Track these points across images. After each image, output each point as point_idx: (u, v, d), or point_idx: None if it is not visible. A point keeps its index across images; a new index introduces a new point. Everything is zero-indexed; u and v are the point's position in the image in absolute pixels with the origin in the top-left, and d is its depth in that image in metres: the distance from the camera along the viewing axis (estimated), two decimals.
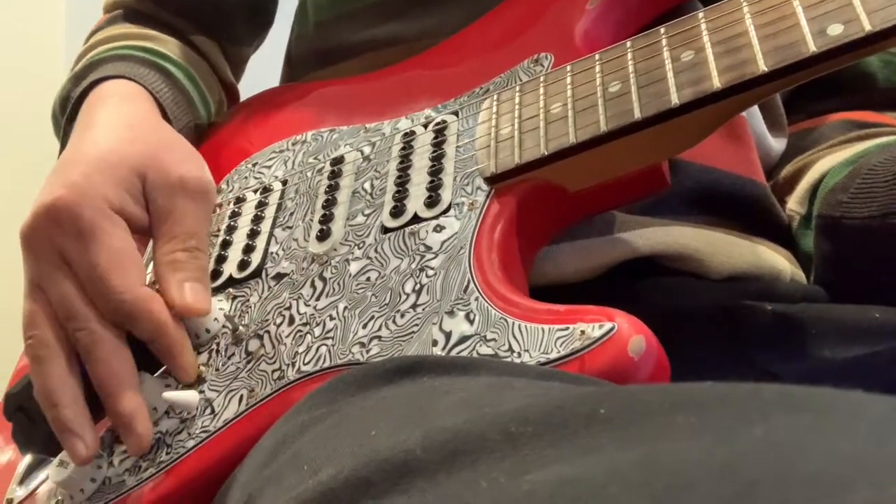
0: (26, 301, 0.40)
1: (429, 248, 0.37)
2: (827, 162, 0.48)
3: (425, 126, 0.43)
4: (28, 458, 0.43)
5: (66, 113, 0.51)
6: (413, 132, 0.43)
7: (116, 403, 0.38)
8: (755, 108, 0.49)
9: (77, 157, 0.43)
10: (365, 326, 0.36)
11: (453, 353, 0.32)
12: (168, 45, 0.55)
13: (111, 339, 0.38)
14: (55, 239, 0.40)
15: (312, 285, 0.40)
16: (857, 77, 0.51)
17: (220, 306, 0.42)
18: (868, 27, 0.30)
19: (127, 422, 0.37)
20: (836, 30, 0.31)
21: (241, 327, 0.40)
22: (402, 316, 0.35)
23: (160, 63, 0.52)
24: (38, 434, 0.41)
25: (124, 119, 0.46)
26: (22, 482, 0.42)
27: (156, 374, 0.40)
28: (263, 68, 0.66)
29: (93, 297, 0.39)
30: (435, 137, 0.42)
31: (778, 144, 0.51)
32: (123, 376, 0.38)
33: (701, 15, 0.35)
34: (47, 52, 1.15)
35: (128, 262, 0.40)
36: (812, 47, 0.31)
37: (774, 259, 0.45)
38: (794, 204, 0.49)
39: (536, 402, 0.20)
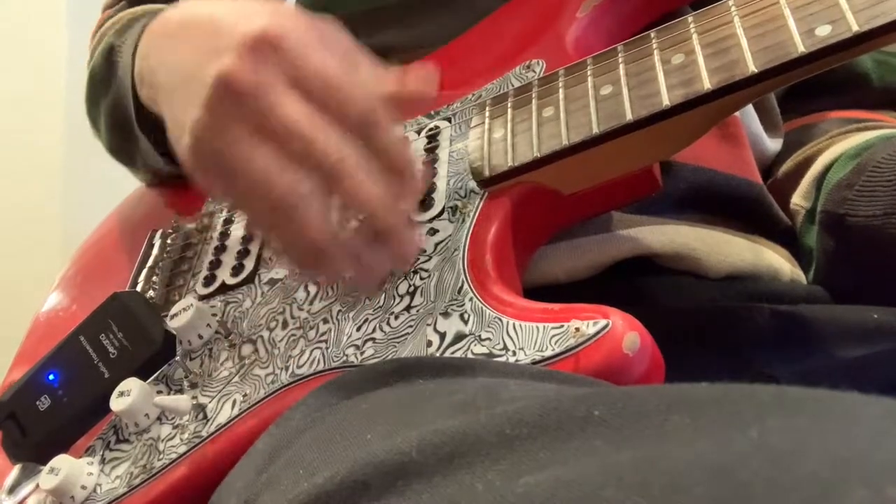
0: (256, 158, 0.31)
1: (422, 251, 0.37)
2: (830, 154, 0.48)
3: (418, 132, 0.43)
4: (18, 465, 0.43)
5: (121, 53, 0.46)
6: (406, 138, 0.43)
7: (388, 216, 0.32)
8: (750, 109, 0.49)
9: (233, 16, 0.34)
10: (359, 329, 0.36)
11: (448, 353, 0.32)
12: None
13: (363, 155, 0.32)
14: (283, 58, 0.32)
15: (306, 290, 0.39)
16: (851, 76, 0.52)
17: (213, 312, 0.42)
18: (855, 27, 0.30)
19: (400, 232, 0.33)
20: (824, 30, 0.31)
21: (234, 332, 0.40)
22: (397, 318, 0.35)
23: None
24: (29, 442, 0.41)
25: None
26: (12, 490, 0.42)
27: (147, 381, 0.40)
28: None
29: (334, 107, 0.32)
30: (428, 143, 0.42)
31: (774, 144, 0.51)
32: (386, 188, 0.32)
33: (690, 19, 0.36)
34: (47, 52, 1.14)
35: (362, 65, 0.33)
36: (801, 48, 0.31)
37: (772, 258, 0.45)
38: (798, 198, 0.49)
39: (531, 404, 0.20)
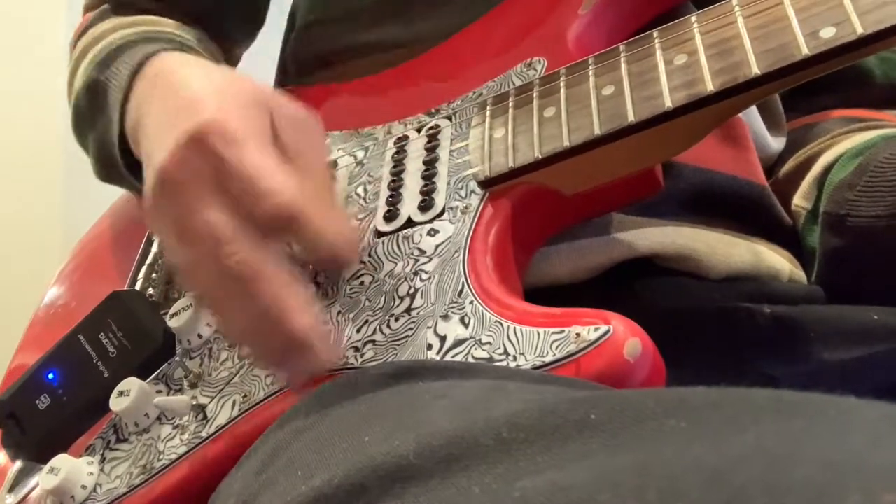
0: (180, 250, 0.34)
1: (423, 252, 0.37)
2: (831, 154, 0.48)
3: (419, 130, 0.43)
4: (18, 465, 0.43)
5: (107, 95, 0.47)
6: (406, 136, 0.43)
7: (291, 321, 0.33)
8: (753, 108, 0.49)
9: (191, 97, 0.36)
10: (359, 331, 0.36)
11: (448, 356, 0.32)
12: (180, 29, 0.52)
13: (272, 259, 0.34)
14: (207, 160, 0.34)
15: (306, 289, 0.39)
16: (855, 74, 0.52)
17: None
18: (860, 30, 0.30)
19: (302, 343, 0.33)
20: (828, 32, 0.31)
21: None
22: (397, 320, 0.35)
23: (184, 43, 0.50)
24: (29, 441, 0.41)
25: (213, 66, 0.41)
26: (12, 489, 0.42)
27: (147, 381, 0.40)
28: (258, 73, 0.66)
29: (250, 207, 0.34)
30: (428, 142, 0.42)
31: (777, 143, 0.51)
32: (293, 294, 0.33)
33: (693, 18, 0.35)
34: (47, 51, 1.14)
35: (279, 166, 0.34)
36: (805, 50, 0.31)
37: (773, 259, 0.45)
38: (799, 199, 0.49)
39: (529, 408, 0.20)
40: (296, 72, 0.56)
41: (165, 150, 0.34)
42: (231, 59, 0.61)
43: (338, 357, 0.35)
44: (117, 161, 0.48)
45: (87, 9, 0.57)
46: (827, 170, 0.47)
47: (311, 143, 0.38)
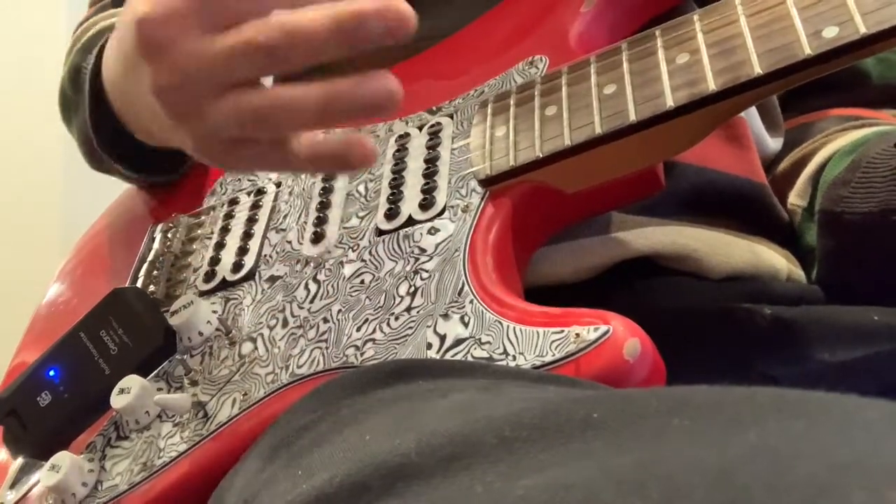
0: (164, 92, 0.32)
1: (423, 251, 0.37)
2: (825, 151, 0.48)
3: (420, 128, 0.43)
4: (19, 462, 0.43)
5: (87, 80, 0.47)
6: (407, 134, 0.43)
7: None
8: (752, 109, 0.49)
9: (130, 9, 0.35)
10: (359, 329, 0.36)
11: (448, 356, 0.32)
12: None
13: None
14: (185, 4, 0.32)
15: (306, 288, 0.39)
16: (852, 74, 0.52)
17: (213, 309, 0.42)
18: (863, 29, 0.30)
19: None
20: (831, 32, 0.31)
21: (234, 330, 0.40)
22: (397, 319, 0.35)
23: None
24: (30, 438, 0.41)
25: None
26: (13, 486, 0.42)
27: (147, 378, 0.40)
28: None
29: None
30: (430, 140, 0.42)
31: (775, 144, 0.51)
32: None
33: (696, 17, 0.35)
34: (47, 50, 1.14)
35: None
36: (807, 50, 0.31)
37: (773, 258, 0.45)
38: (794, 198, 0.49)
39: (531, 407, 0.20)
40: (295, 75, 0.56)
41: (133, 12, 0.33)
42: None
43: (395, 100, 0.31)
44: (92, 139, 0.48)
45: (91, 3, 0.58)
46: (821, 167, 0.47)
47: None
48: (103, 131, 0.48)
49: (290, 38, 0.31)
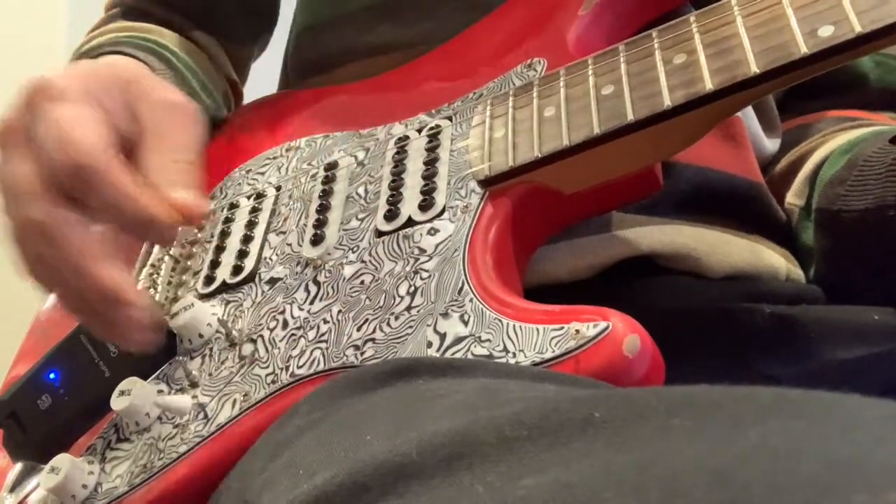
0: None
1: (423, 251, 0.37)
2: (822, 151, 0.48)
3: (419, 131, 0.43)
4: (19, 465, 0.43)
5: None
6: (407, 137, 0.43)
7: (96, 277, 0.34)
8: (749, 109, 0.49)
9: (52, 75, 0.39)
10: (359, 329, 0.36)
11: (448, 354, 0.32)
12: (167, 38, 0.55)
13: (75, 217, 0.35)
14: (28, 112, 0.36)
15: (306, 289, 0.39)
16: (850, 77, 0.52)
17: (213, 311, 0.42)
18: (858, 28, 0.30)
19: (113, 294, 0.34)
20: (826, 31, 0.31)
21: (234, 332, 0.40)
22: (397, 318, 0.35)
23: (160, 51, 0.52)
24: (29, 441, 0.41)
25: (116, 61, 0.45)
26: (13, 489, 0.42)
27: (148, 380, 0.40)
28: (263, 75, 0.66)
29: (51, 165, 0.35)
30: (429, 142, 0.42)
31: (772, 145, 0.51)
32: (93, 249, 0.34)
33: (692, 18, 0.36)
34: (47, 52, 1.14)
35: (93, 125, 0.35)
36: (803, 48, 0.31)
37: (772, 258, 0.45)
38: (792, 197, 0.49)
39: (532, 406, 0.20)
40: (294, 77, 0.56)
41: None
42: (240, 63, 0.62)
43: (155, 313, 0.36)
44: None
45: (107, 8, 0.59)
46: (818, 167, 0.47)
47: (178, 126, 0.39)
48: None
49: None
